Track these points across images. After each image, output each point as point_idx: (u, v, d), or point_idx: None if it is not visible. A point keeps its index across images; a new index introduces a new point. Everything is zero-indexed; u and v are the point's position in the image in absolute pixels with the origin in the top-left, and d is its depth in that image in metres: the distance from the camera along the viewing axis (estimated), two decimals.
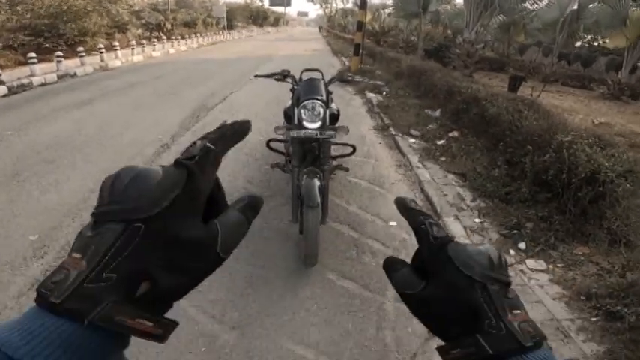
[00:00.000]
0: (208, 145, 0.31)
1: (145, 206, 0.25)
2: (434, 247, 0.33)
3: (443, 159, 4.03)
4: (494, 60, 14.79)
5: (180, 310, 1.98)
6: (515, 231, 2.77)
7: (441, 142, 4.46)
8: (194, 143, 0.30)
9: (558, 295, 2.20)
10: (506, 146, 3.54)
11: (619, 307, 1.98)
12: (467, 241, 2.63)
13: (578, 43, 16.91)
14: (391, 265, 0.37)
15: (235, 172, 3.58)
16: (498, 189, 3.17)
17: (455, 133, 4.60)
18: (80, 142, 4.25)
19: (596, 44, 16.45)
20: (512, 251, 2.60)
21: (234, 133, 0.34)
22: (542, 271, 2.41)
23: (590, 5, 11.99)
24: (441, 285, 0.32)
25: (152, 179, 0.26)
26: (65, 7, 12.01)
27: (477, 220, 2.94)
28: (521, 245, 2.65)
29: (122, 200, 0.26)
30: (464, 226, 2.88)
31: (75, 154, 3.91)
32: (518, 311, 0.30)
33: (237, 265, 2.33)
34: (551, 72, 11.57)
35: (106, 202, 0.26)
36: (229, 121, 0.34)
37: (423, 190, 3.42)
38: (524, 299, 2.14)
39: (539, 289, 2.25)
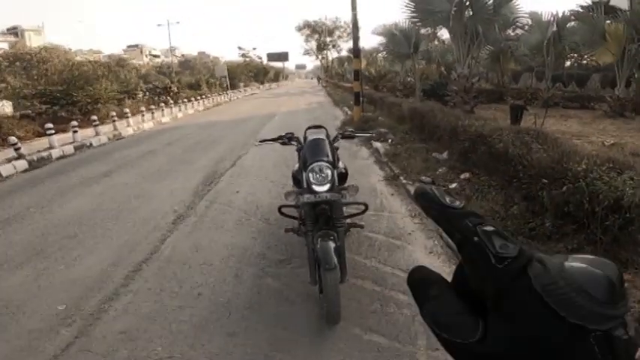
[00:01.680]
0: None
1: None
2: (500, 273, 0.21)
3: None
4: (492, 91, 15.16)
5: None
6: None
7: (453, 186, 4.43)
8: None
9: None
10: (520, 182, 3.51)
11: None
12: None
13: (568, 63, 17.33)
14: (421, 285, 0.23)
15: (251, 237, 3.61)
16: (521, 226, 3.10)
17: (466, 175, 4.59)
18: (100, 217, 4.36)
19: (585, 62, 16.83)
20: None
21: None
22: None
23: (568, 24, 12.36)
24: (521, 336, 0.19)
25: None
26: (77, 73, 12.74)
27: None
28: None
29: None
30: None
31: (96, 229, 4.00)
32: None
33: (261, 327, 2.31)
34: (549, 96, 11.77)
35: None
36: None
37: (442, 237, 3.36)
38: None
39: None
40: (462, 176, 4.60)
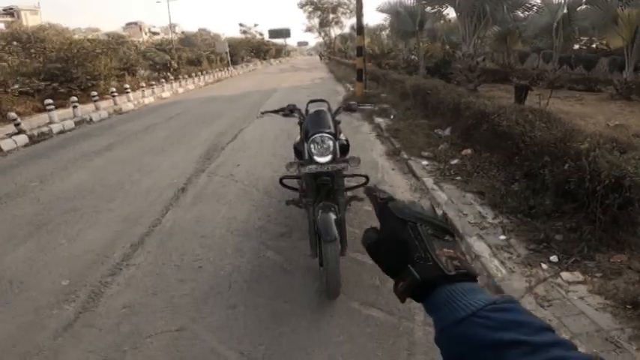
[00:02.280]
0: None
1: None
2: (380, 205, 0.43)
3: (458, 178, 3.98)
4: (497, 71, 14.90)
5: (209, 348, 1.98)
6: (544, 244, 2.69)
7: (454, 162, 4.41)
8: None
9: (601, 305, 2.12)
10: (522, 159, 3.49)
11: None
12: (493, 260, 2.58)
13: (577, 46, 16.91)
14: (365, 231, 0.45)
15: (252, 210, 3.63)
16: (520, 204, 3.10)
17: (467, 151, 4.56)
18: (102, 190, 4.38)
19: (594, 46, 16.44)
20: (544, 265, 2.52)
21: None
22: (579, 282, 2.33)
23: (579, 8, 12.02)
24: (384, 230, 0.42)
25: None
26: (75, 51, 12.57)
27: (502, 237, 2.87)
28: (553, 258, 2.56)
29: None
30: (488, 244, 2.81)
31: (98, 202, 4.02)
32: (451, 251, 0.37)
33: (262, 300, 2.34)
34: (555, 78, 11.56)
35: None
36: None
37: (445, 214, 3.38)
38: (564, 312, 2.09)
39: (579, 302, 2.17)
40: (464, 152, 4.57)
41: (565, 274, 2.41)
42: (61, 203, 4.05)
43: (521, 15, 10.82)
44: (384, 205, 0.43)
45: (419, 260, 0.37)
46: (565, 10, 11.91)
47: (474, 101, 4.97)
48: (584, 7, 11.81)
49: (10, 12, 47.56)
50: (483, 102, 4.86)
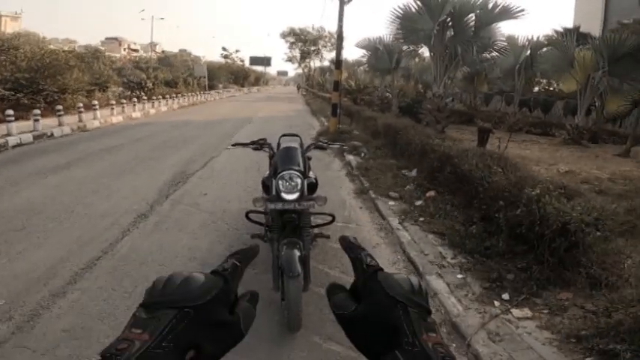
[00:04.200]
0: (235, 262, 0.40)
1: (194, 298, 0.34)
2: (367, 274, 0.39)
3: (422, 219, 4.09)
4: (463, 113, 15.76)
5: None
6: (497, 283, 2.81)
7: (419, 203, 4.54)
8: (226, 260, 0.40)
9: (548, 339, 2.23)
10: (480, 203, 3.66)
11: (611, 346, 2.00)
12: (450, 297, 2.62)
13: (536, 89, 18.27)
14: (332, 290, 0.42)
15: (215, 241, 3.54)
16: (477, 245, 3.23)
17: (432, 193, 4.72)
18: (54, 210, 4.13)
19: (552, 88, 17.79)
20: (496, 302, 2.62)
21: (250, 254, 0.44)
22: (528, 318, 2.44)
23: (543, 49, 12.90)
24: (369, 305, 0.37)
25: (198, 281, 0.36)
26: (47, 61, 12.16)
27: (460, 276, 2.95)
28: (505, 296, 2.68)
29: (175, 293, 0.35)
30: (447, 282, 2.88)
31: (47, 223, 3.79)
32: (434, 334, 0.35)
33: None
34: (514, 121, 12.41)
35: (160, 294, 0.35)
36: (245, 247, 0.45)
37: (404, 252, 3.45)
38: (514, 347, 2.18)
39: (527, 337, 2.27)
40: (428, 194, 4.72)
41: (515, 311, 2.52)
42: (6, 221, 3.78)
43: (488, 57, 11.57)
44: (371, 274, 0.39)
45: (407, 346, 0.34)
46: (528, 52, 12.90)
47: (440, 144, 5.20)
48: (545, 49, 12.76)
49: None
50: (448, 145, 5.10)
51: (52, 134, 8.91)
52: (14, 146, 7.55)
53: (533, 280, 2.74)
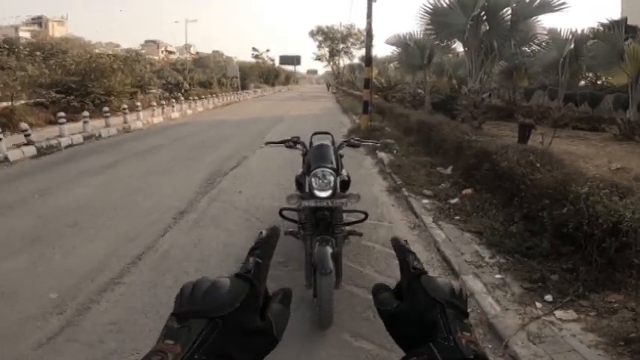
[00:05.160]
0: (257, 260, 0.40)
1: (221, 306, 0.34)
2: (412, 276, 0.42)
3: (457, 217, 3.97)
4: (502, 108, 15.05)
5: None
6: (539, 284, 2.68)
7: (454, 201, 4.40)
8: (247, 260, 0.40)
9: (593, 342, 2.12)
10: (521, 201, 3.50)
11: None
12: (488, 298, 2.53)
13: (582, 82, 17.12)
14: (377, 290, 0.45)
15: (250, 238, 3.61)
16: (518, 245, 3.09)
17: (468, 191, 4.56)
18: (102, 207, 4.40)
19: (599, 82, 16.60)
20: (538, 304, 2.51)
21: (269, 243, 0.43)
22: (573, 321, 2.33)
23: (588, 42, 12.12)
24: (410, 303, 0.40)
25: (224, 287, 0.36)
26: (94, 65, 12.92)
27: (498, 276, 2.84)
28: (548, 298, 2.56)
29: (204, 303, 0.34)
30: (484, 282, 2.78)
31: (97, 219, 4.04)
32: (468, 334, 0.37)
33: None
34: (559, 116, 11.66)
35: (188, 304, 0.35)
36: (263, 232, 0.44)
37: (439, 250, 3.36)
38: (556, 349, 2.09)
39: (571, 339, 2.17)
40: (464, 192, 4.57)
41: (559, 313, 2.40)
42: (60, 217, 4.07)
43: (528, 50, 11.00)
44: (416, 276, 0.42)
45: (442, 341, 0.36)
46: (572, 46, 12.13)
47: (477, 140, 5.02)
48: (591, 42, 11.97)
49: (38, 21, 49.14)
50: (486, 141, 4.91)
51: (100, 135, 9.48)
52: (66, 147, 8.10)
53: (580, 282, 2.60)
